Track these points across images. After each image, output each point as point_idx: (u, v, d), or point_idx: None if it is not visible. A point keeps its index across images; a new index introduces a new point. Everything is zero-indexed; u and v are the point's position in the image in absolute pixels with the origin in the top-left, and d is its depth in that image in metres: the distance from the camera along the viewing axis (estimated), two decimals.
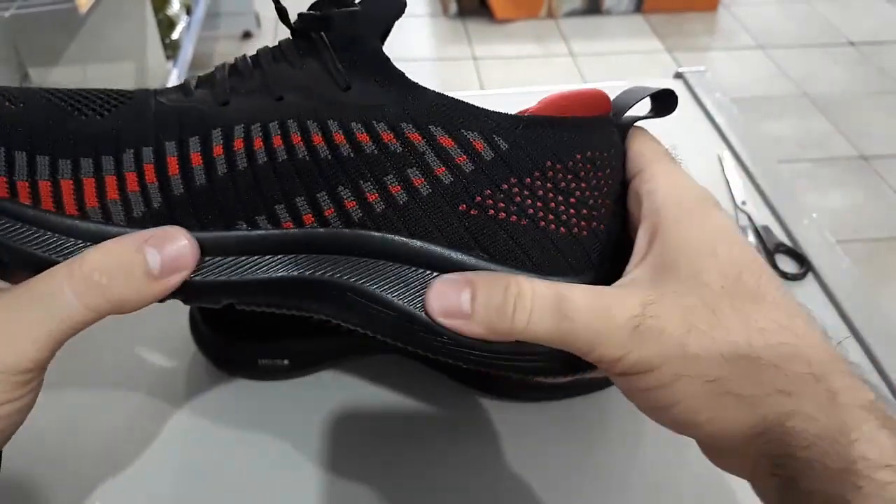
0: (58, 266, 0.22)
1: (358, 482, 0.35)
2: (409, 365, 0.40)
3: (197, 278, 0.24)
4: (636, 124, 0.28)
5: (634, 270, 0.24)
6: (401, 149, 0.24)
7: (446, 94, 0.25)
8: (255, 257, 0.24)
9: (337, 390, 0.39)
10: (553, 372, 0.25)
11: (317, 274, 0.24)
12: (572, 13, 2.34)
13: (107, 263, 0.22)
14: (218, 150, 0.24)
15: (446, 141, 0.24)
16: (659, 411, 0.23)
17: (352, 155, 0.24)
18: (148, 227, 0.23)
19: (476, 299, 0.23)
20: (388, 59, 0.25)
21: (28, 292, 0.22)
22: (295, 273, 0.24)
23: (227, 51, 2.12)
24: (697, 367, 0.21)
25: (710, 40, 2.23)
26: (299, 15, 0.26)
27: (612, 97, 0.28)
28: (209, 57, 2.06)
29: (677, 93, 0.27)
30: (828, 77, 2.03)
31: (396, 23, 0.26)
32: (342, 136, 0.24)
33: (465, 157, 0.24)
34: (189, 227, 0.23)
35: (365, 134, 0.24)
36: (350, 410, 0.38)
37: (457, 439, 0.37)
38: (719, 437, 0.22)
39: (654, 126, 0.29)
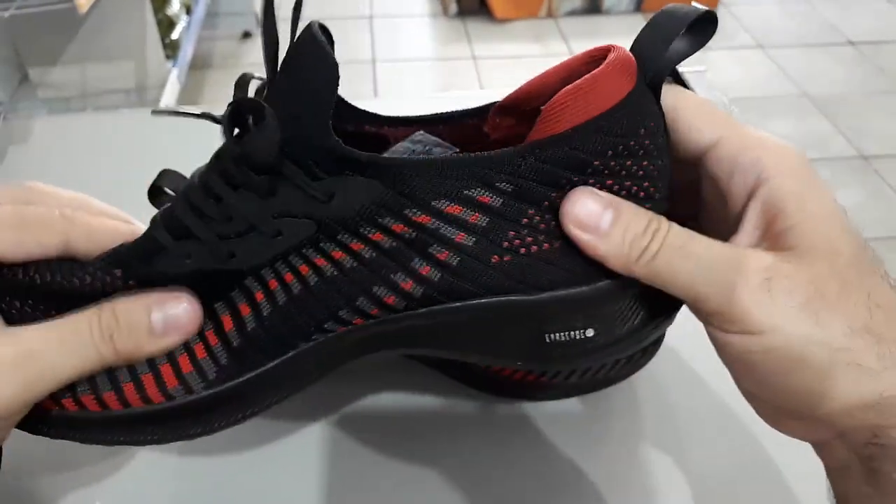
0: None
1: (358, 482, 0.35)
2: (410, 365, 0.40)
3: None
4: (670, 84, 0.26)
5: (752, 236, 0.23)
6: (416, 234, 0.24)
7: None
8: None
9: (337, 390, 0.39)
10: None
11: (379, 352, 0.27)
12: (572, 13, 2.34)
13: (116, 321, 0.24)
14: (259, 295, 0.25)
15: (453, 209, 0.24)
16: (769, 375, 0.22)
17: (374, 255, 0.24)
18: (222, 387, 0.25)
19: (617, 222, 0.23)
20: (351, 151, 0.23)
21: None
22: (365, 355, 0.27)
23: (227, 51, 2.12)
24: (827, 333, 0.21)
25: (710, 40, 2.23)
26: (224, 145, 0.24)
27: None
28: (209, 57, 2.06)
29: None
30: (828, 77, 2.03)
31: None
32: (359, 244, 0.24)
33: (476, 215, 0.24)
34: (260, 363, 0.25)
35: (378, 233, 0.24)
36: (350, 410, 0.38)
37: (457, 439, 0.37)
38: (826, 414, 0.22)
39: None
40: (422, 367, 0.39)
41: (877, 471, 0.21)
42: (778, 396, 0.23)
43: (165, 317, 0.24)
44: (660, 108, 0.25)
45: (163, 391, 0.25)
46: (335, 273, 0.24)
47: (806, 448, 0.25)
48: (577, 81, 0.24)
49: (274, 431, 0.37)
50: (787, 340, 0.21)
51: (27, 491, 0.34)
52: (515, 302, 0.24)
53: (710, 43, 0.26)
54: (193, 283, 0.25)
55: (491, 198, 0.24)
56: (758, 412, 0.25)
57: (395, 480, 0.35)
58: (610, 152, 0.24)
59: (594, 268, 0.24)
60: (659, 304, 0.26)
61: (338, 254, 0.24)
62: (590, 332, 0.25)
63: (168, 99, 1.50)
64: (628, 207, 0.24)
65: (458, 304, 0.25)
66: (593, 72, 0.24)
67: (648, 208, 0.24)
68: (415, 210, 0.24)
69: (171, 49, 1.66)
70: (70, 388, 0.25)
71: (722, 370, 0.26)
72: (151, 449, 0.36)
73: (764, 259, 0.22)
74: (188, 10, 1.79)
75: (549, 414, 0.38)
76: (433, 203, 0.24)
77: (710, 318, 0.23)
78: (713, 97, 0.65)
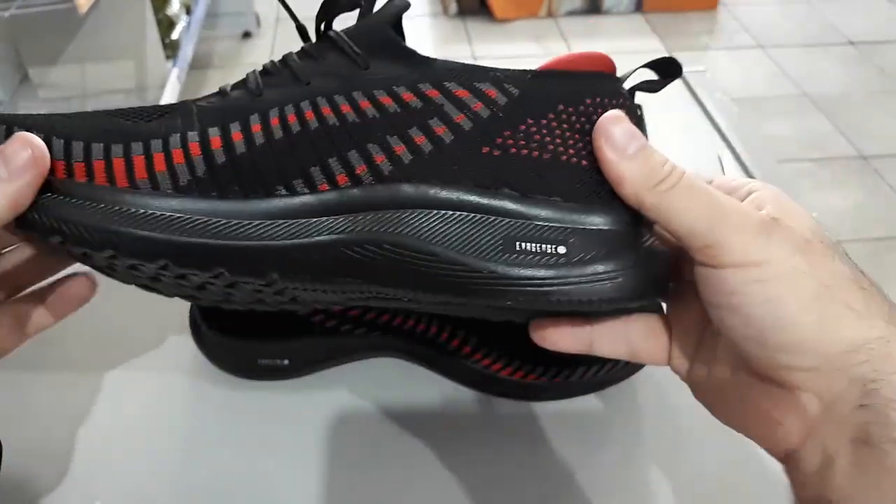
0: None
1: (358, 482, 0.35)
2: (410, 365, 0.40)
3: (253, 244, 0.25)
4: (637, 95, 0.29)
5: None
6: (421, 104, 0.26)
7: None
8: (298, 220, 0.25)
9: (337, 390, 0.39)
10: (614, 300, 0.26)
11: (354, 233, 0.25)
12: (572, 13, 2.34)
13: None
14: (256, 127, 0.26)
15: (461, 92, 0.26)
16: (762, 305, 0.23)
17: (377, 115, 0.26)
18: (193, 195, 0.25)
19: (643, 150, 0.25)
20: (400, 41, 0.27)
21: None
22: (334, 236, 0.25)
23: (227, 51, 2.12)
24: (817, 269, 0.23)
25: (710, 40, 2.23)
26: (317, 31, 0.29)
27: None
28: (209, 57, 2.06)
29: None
30: (828, 77, 2.03)
31: None
32: (367, 102, 0.26)
33: (480, 104, 0.26)
34: (232, 195, 0.25)
35: (387, 97, 0.26)
36: (350, 410, 0.38)
37: (456, 439, 0.37)
38: (815, 344, 0.23)
39: (652, 126, 0.29)
40: (422, 368, 0.39)
41: (869, 445, 0.21)
42: (766, 333, 0.23)
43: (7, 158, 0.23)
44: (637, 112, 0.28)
45: (130, 178, 0.25)
46: (336, 123, 0.26)
47: None
48: (579, 53, 0.28)
49: (274, 432, 0.37)
50: (779, 271, 0.23)
51: (27, 491, 0.34)
52: (500, 196, 0.25)
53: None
54: (208, 113, 0.27)
55: (497, 94, 0.26)
56: (747, 360, 0.25)
57: (396, 480, 0.35)
58: (598, 98, 0.26)
59: (577, 188, 0.26)
60: (634, 276, 0.26)
61: (345, 107, 0.26)
62: (561, 250, 0.25)
63: (168, 99, 1.50)
64: (650, 144, 0.25)
65: (437, 188, 0.25)
66: (590, 52, 0.28)
67: None
68: (427, 85, 0.26)
69: (171, 49, 1.66)
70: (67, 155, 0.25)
71: None
72: (151, 449, 0.36)
73: (762, 214, 0.24)
74: (188, 10, 1.79)
75: (549, 414, 0.38)
76: (444, 83, 0.26)
77: (706, 251, 0.24)
78: (713, 97, 0.65)
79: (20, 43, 1.31)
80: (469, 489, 0.35)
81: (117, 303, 0.37)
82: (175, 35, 1.68)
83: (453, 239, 0.25)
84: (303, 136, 0.26)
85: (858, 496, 0.22)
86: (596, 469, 0.36)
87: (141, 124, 0.26)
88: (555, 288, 0.24)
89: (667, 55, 0.28)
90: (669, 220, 0.24)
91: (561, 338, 0.28)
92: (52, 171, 0.25)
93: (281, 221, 0.25)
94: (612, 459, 0.36)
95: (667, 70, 0.28)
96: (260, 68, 0.29)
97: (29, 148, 0.24)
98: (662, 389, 0.39)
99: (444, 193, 0.25)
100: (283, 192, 0.25)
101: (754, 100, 1.92)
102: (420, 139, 0.25)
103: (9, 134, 0.25)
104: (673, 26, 2.27)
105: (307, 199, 0.25)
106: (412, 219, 0.25)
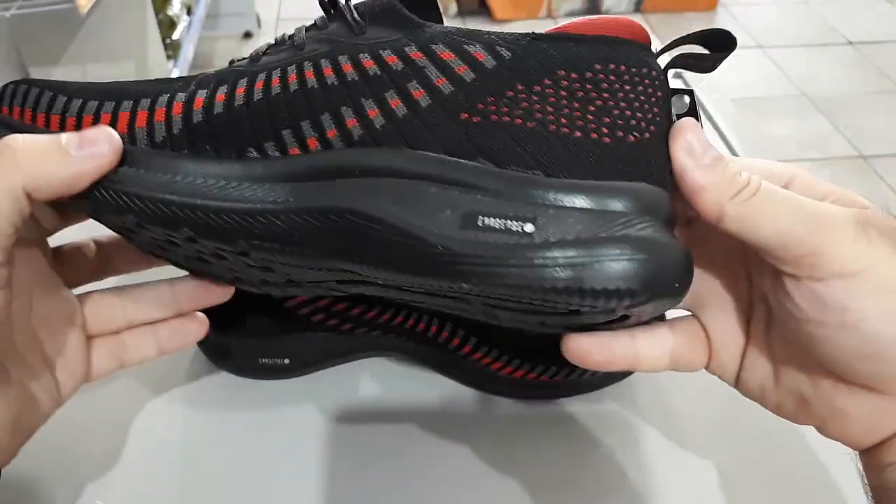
0: None
1: (358, 481, 0.35)
2: (410, 365, 0.40)
3: (213, 203, 0.24)
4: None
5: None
6: (402, 66, 0.24)
7: None
8: (265, 184, 0.24)
9: (337, 390, 0.39)
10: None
11: (319, 200, 0.24)
12: (572, 13, 2.34)
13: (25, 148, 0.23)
14: (240, 90, 0.26)
15: (447, 55, 0.24)
16: (881, 318, 0.21)
17: (356, 79, 0.25)
18: (167, 151, 0.25)
19: (720, 159, 0.23)
20: (401, 8, 0.26)
21: None
22: (301, 205, 0.24)
23: (228, 51, 2.12)
24: None
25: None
26: None
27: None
28: (210, 57, 2.06)
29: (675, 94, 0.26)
30: (827, 77, 2.03)
31: None
32: (350, 66, 0.25)
33: (465, 66, 0.24)
34: (203, 154, 0.25)
35: (370, 60, 0.25)
36: (350, 410, 0.38)
37: (456, 439, 0.37)
38: None
39: None
40: (422, 368, 0.39)
41: None
42: (887, 349, 0.21)
43: (81, 136, 0.23)
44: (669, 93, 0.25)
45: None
46: (314, 86, 0.25)
47: (805, 448, 0.25)
48: (609, 17, 0.25)
49: (274, 432, 0.37)
50: (880, 282, 0.21)
51: (27, 491, 0.34)
52: (468, 167, 0.23)
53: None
54: (208, 79, 0.27)
55: (486, 57, 0.24)
56: (836, 370, 0.23)
57: (396, 480, 0.35)
58: (612, 66, 0.24)
59: (562, 159, 0.23)
60: (603, 276, 0.22)
61: (327, 70, 0.25)
62: (528, 228, 0.22)
63: None
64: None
65: (404, 155, 0.24)
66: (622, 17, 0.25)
67: (634, 139, 0.24)
68: (413, 47, 0.25)
69: (172, 49, 1.66)
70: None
71: None
72: (152, 448, 0.36)
73: (851, 210, 0.22)
74: (189, 11, 1.79)
75: (550, 414, 0.38)
76: (431, 45, 0.24)
77: (802, 262, 0.21)
78: (713, 97, 0.65)
79: (21, 43, 1.31)
80: (469, 489, 0.35)
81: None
82: (176, 35, 1.68)
83: (413, 210, 0.23)
84: (280, 99, 0.25)
85: None
86: (596, 468, 0.36)
87: (146, 87, 0.26)
88: (512, 269, 0.21)
89: (717, 27, 0.25)
90: (756, 232, 0.22)
91: (600, 352, 0.26)
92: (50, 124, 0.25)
93: (247, 184, 0.24)
94: (612, 459, 0.36)
95: (719, 43, 0.24)
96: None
97: (109, 144, 0.23)
98: (662, 390, 0.39)
99: (410, 161, 0.23)
100: (254, 154, 0.25)
101: (753, 100, 1.92)
102: (395, 103, 0.24)
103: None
104: (672, 27, 2.27)
105: (277, 163, 0.24)
106: (376, 187, 0.23)
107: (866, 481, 0.24)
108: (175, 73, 1.55)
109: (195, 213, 0.24)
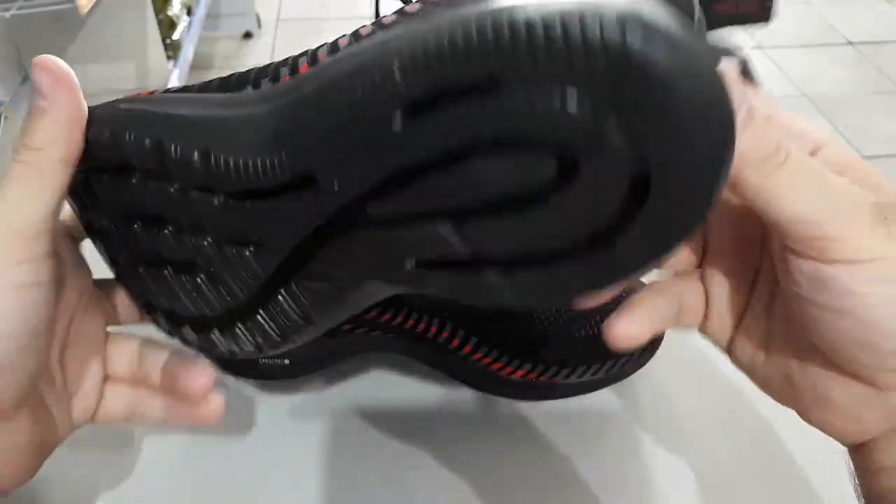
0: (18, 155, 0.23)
1: (358, 481, 0.35)
2: (410, 365, 0.40)
3: None
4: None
5: None
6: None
7: None
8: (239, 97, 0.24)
9: (337, 390, 0.39)
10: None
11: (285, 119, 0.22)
12: None
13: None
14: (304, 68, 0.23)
15: None
16: (883, 308, 0.20)
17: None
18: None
19: (752, 116, 0.20)
20: None
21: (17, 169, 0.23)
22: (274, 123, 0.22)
23: (228, 51, 2.12)
24: None
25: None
26: None
27: None
28: (210, 57, 2.06)
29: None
30: (827, 77, 2.03)
31: None
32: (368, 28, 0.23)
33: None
34: (210, 90, 0.25)
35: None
36: (350, 410, 0.38)
37: (456, 438, 0.37)
38: None
39: None
40: (422, 367, 0.40)
41: None
42: (883, 339, 0.20)
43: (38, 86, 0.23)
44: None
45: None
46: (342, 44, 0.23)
47: (805, 447, 0.25)
48: None
49: (274, 432, 0.37)
50: (890, 273, 0.20)
51: (27, 491, 0.34)
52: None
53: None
54: None
55: None
56: (834, 360, 0.22)
57: (396, 479, 0.35)
58: None
59: None
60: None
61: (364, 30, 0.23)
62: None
63: None
64: (759, 108, 0.20)
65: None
66: None
67: None
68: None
69: (173, 49, 1.66)
70: None
71: (723, 370, 0.26)
72: (152, 449, 0.36)
73: (873, 198, 0.20)
74: (189, 11, 1.79)
75: (549, 414, 0.38)
76: None
77: (814, 243, 0.20)
78: None
79: (21, 43, 1.31)
80: (469, 488, 0.35)
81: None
82: (176, 35, 1.68)
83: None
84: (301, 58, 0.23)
85: None
86: (596, 468, 0.36)
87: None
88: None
89: None
90: (772, 205, 0.20)
91: (638, 326, 0.24)
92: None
93: (226, 107, 0.23)
94: (612, 459, 0.36)
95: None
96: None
97: (47, 70, 0.23)
98: (662, 389, 0.39)
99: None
100: (250, 89, 0.24)
101: None
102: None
103: None
104: None
105: (264, 90, 0.23)
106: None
107: (858, 483, 0.24)
108: (175, 73, 1.55)
109: (166, 121, 0.23)
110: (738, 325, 0.25)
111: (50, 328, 0.24)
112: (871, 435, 0.22)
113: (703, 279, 0.26)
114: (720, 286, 0.25)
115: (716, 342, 0.26)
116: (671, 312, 0.25)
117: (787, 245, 0.21)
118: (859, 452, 0.23)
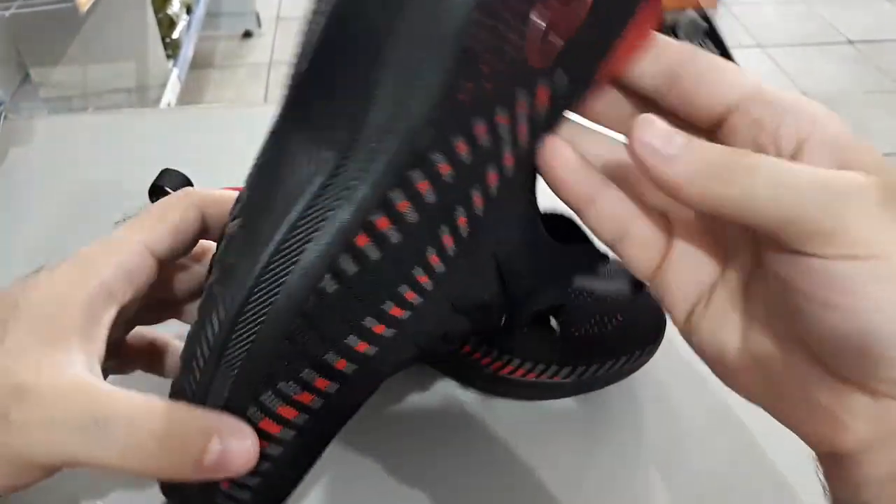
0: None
1: (357, 481, 0.35)
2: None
3: None
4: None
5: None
6: None
7: None
8: None
9: None
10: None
11: None
12: None
13: (168, 430, 0.22)
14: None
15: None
16: (885, 310, 0.18)
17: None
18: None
19: (691, 142, 0.19)
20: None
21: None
22: None
23: (228, 50, 2.12)
24: None
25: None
26: None
27: None
28: (210, 56, 2.06)
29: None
30: (827, 76, 2.03)
31: None
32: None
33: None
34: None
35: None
36: None
37: (457, 438, 0.37)
38: None
39: None
40: (422, 367, 0.39)
41: None
42: (880, 342, 0.18)
43: (224, 450, 0.21)
44: None
45: None
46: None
47: (805, 448, 0.25)
48: None
49: None
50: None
51: (28, 491, 0.34)
52: None
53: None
54: None
55: None
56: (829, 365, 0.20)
57: (395, 480, 0.35)
58: None
59: None
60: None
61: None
62: None
63: (169, 98, 1.50)
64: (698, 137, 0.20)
65: None
66: None
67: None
68: None
69: (172, 48, 1.66)
70: None
71: None
72: None
73: (873, 178, 0.19)
74: (189, 10, 1.79)
75: (549, 414, 0.38)
76: None
77: (812, 240, 0.18)
78: None
79: (21, 43, 1.31)
80: (469, 488, 0.35)
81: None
82: (176, 34, 1.69)
83: None
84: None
85: None
86: (596, 469, 0.36)
87: None
88: None
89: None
90: (758, 215, 0.19)
91: (570, 173, 0.23)
92: None
93: None
94: (612, 459, 0.36)
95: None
96: None
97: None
98: (662, 389, 0.39)
99: None
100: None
101: None
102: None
103: None
104: None
105: None
106: None
107: (829, 494, 0.21)
108: (175, 73, 1.55)
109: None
110: (701, 302, 0.23)
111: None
112: (854, 445, 0.20)
113: (668, 240, 0.23)
114: (684, 252, 0.23)
115: (665, 305, 0.23)
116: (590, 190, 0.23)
117: (780, 244, 0.19)
118: (836, 463, 0.21)
